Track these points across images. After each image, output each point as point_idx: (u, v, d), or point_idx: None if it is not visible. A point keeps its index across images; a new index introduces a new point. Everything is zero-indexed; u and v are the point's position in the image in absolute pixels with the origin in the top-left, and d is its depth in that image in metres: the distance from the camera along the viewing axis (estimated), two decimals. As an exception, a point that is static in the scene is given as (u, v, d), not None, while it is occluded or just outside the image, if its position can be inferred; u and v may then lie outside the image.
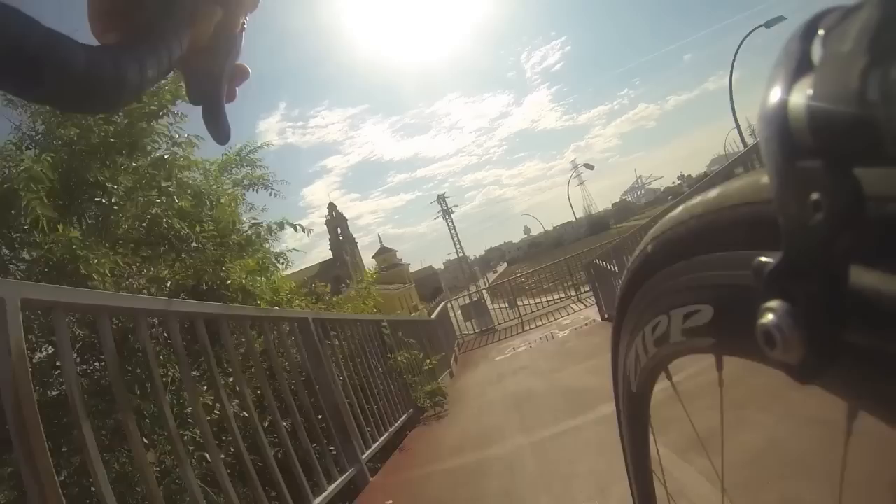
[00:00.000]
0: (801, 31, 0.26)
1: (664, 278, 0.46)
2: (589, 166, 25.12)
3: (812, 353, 0.26)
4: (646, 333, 0.52)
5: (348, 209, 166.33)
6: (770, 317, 0.27)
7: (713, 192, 0.37)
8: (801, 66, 0.25)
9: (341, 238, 60.14)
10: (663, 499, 0.78)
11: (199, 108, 0.51)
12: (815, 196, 0.23)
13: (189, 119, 5.15)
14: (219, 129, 0.50)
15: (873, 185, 0.22)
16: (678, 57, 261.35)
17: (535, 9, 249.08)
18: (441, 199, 55.07)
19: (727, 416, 0.58)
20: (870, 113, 0.20)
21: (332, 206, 62.64)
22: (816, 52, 0.24)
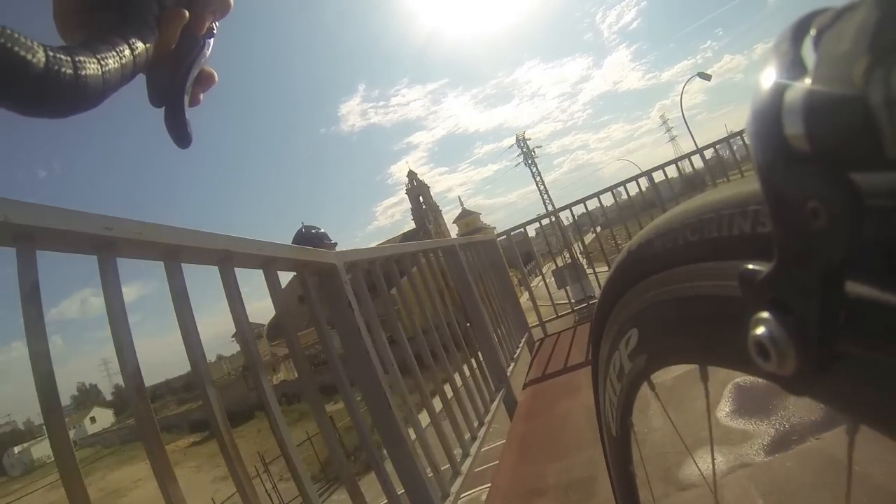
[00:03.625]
0: (791, 32, 0.25)
1: (644, 289, 0.47)
2: (705, 76, 23.58)
3: (806, 364, 0.26)
4: (621, 347, 0.54)
5: (437, 183, 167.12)
6: (762, 328, 0.28)
7: (695, 202, 0.38)
8: (793, 69, 0.24)
9: (424, 207, 59.95)
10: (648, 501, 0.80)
11: (161, 111, 0.50)
12: (812, 203, 0.23)
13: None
14: (179, 133, 0.50)
15: (873, 191, 0.22)
16: (762, 1, 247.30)
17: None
18: (521, 141, 53.53)
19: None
20: (872, 116, 0.20)
21: (411, 175, 62.29)
22: (808, 53, 0.24)
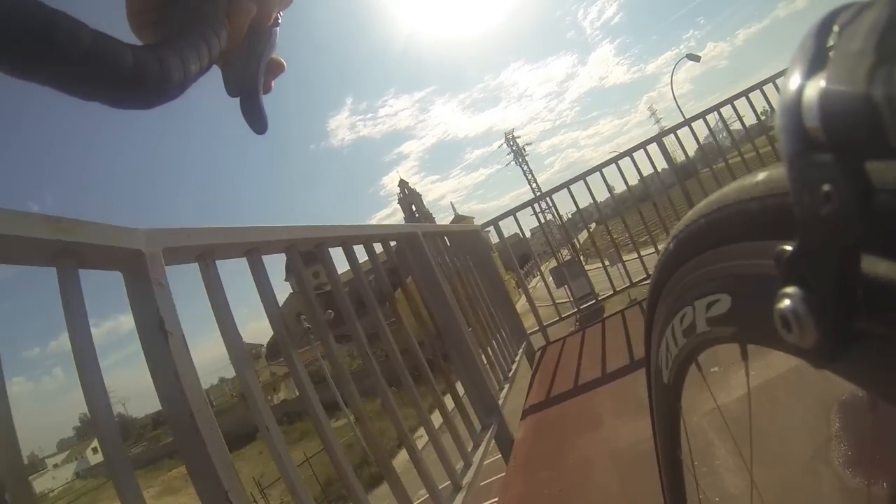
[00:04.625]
0: (817, 27, 0.28)
1: (689, 270, 0.49)
2: (694, 57, 23.21)
3: (826, 338, 0.28)
4: (674, 325, 0.55)
5: (430, 191, 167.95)
6: (787, 302, 0.30)
7: (735, 185, 0.40)
8: (815, 62, 0.27)
9: (417, 215, 59.84)
10: (693, 489, 0.82)
11: (237, 101, 0.55)
12: (826, 187, 0.25)
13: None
14: (257, 120, 0.56)
15: (882, 178, 0.23)
16: None
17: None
18: (510, 139, 53.07)
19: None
20: (876, 109, 0.22)
21: (403, 184, 62.60)
22: (831, 48, 0.26)
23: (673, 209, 4.67)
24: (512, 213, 4.74)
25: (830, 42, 0.26)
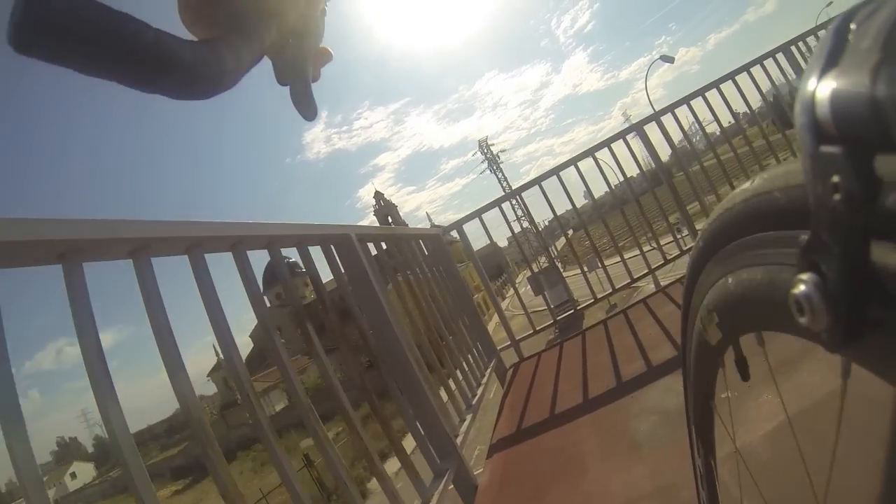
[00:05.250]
0: (836, 25, 0.29)
1: (727, 254, 0.50)
2: (668, 58, 23.12)
3: (837, 322, 0.29)
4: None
5: (406, 202, 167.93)
6: (801, 287, 0.31)
7: (766, 174, 0.42)
8: (830, 59, 0.28)
9: (393, 226, 58.19)
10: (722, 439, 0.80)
11: (287, 89, 0.59)
12: (835, 179, 0.27)
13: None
14: (306, 107, 0.59)
15: (890, 171, 0.25)
16: None
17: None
18: (483, 146, 52.82)
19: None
20: (881, 106, 0.23)
21: (378, 195, 62.50)
22: (846, 45, 0.28)
23: (659, 208, 4.19)
24: (477, 214, 4.18)
25: (848, 40, 0.27)
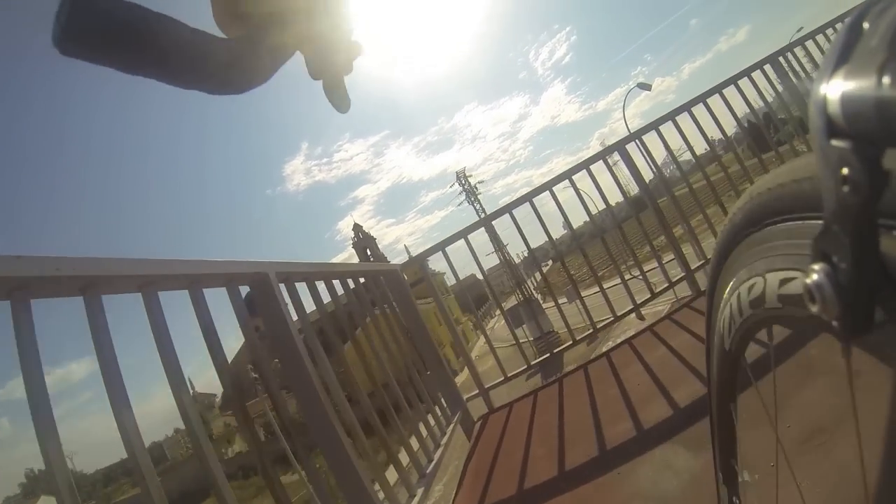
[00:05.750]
0: (849, 23, 0.29)
1: (754, 241, 0.51)
2: (645, 86, 23.12)
3: (847, 312, 0.30)
4: (740, 293, 0.55)
5: (386, 235, 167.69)
6: (813, 276, 0.32)
7: (786, 166, 0.44)
8: (842, 56, 0.29)
9: (371, 259, 58.83)
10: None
11: (320, 83, 0.60)
12: (844, 171, 0.28)
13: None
14: (340, 100, 0.61)
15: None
16: (684, 24, 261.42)
17: (532, 4, 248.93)
18: (461, 177, 52.61)
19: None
20: (887, 104, 0.24)
21: (357, 228, 62.10)
22: (857, 43, 0.28)
23: (644, 234, 3.78)
24: (441, 247, 3.76)
25: (861, 36, 0.28)
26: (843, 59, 0.28)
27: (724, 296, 0.60)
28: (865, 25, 0.28)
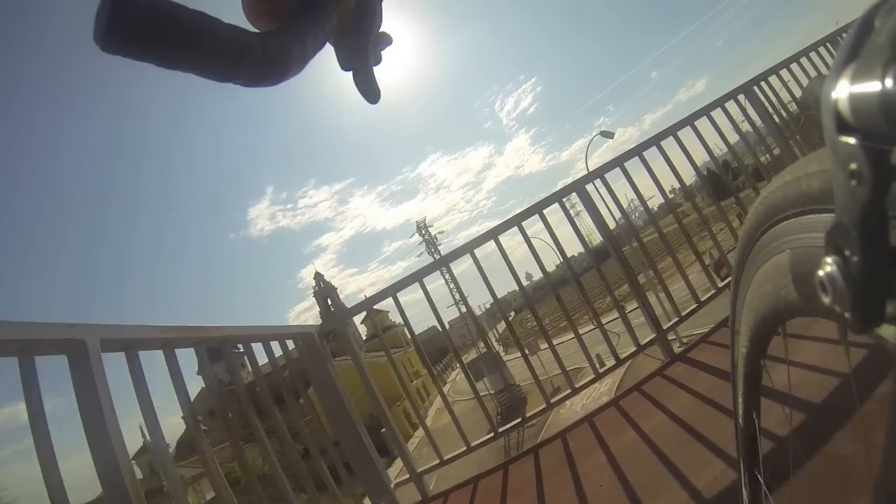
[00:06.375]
0: (860, 21, 0.30)
1: (777, 234, 0.51)
2: (608, 134, 23.21)
3: (857, 303, 0.31)
4: (760, 287, 0.57)
5: (348, 284, 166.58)
6: (826, 269, 0.33)
7: (802, 161, 0.43)
8: (851, 53, 0.29)
9: (332, 309, 57.02)
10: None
11: (350, 74, 0.62)
12: (853, 166, 0.29)
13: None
14: (369, 90, 0.62)
15: None
16: (646, 76, 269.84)
17: (500, 55, 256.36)
18: (422, 227, 52.41)
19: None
20: (890, 101, 0.25)
21: (318, 277, 61.58)
22: (867, 41, 0.29)
23: (607, 287, 3.31)
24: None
25: (871, 33, 0.28)
26: (852, 55, 0.29)
27: (747, 294, 0.60)
28: (877, 23, 0.28)
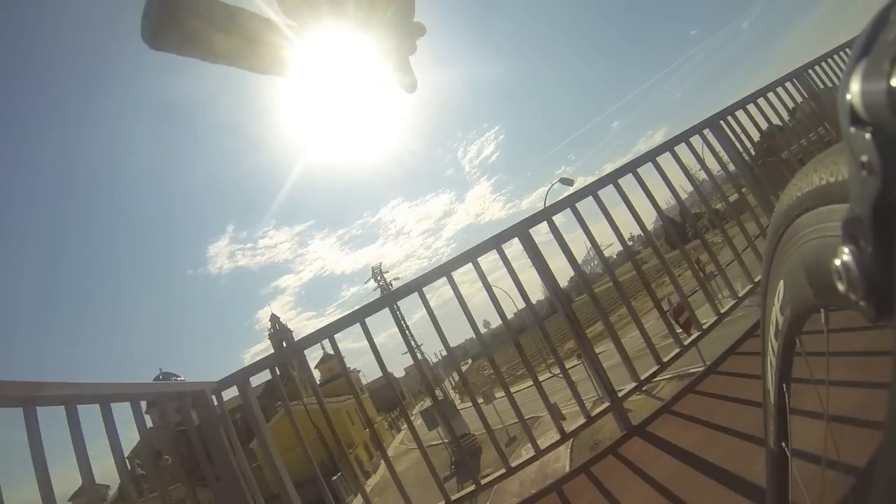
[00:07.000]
0: (877, 14, 0.30)
1: (787, 238, 0.53)
2: (568, 181, 23.43)
3: (872, 291, 0.31)
4: (775, 301, 0.61)
5: (305, 328, 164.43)
6: (842, 258, 0.34)
7: (825, 152, 0.44)
8: (865, 47, 0.30)
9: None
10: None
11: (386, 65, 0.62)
12: (864, 158, 0.30)
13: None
14: (406, 80, 0.64)
15: None
16: (607, 126, 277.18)
17: (465, 103, 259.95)
18: (377, 273, 52.17)
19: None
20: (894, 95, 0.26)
21: (274, 319, 60.75)
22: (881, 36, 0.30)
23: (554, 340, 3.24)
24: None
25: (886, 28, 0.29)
26: (865, 50, 0.30)
27: (776, 288, 0.60)
28: (892, 17, 0.29)
